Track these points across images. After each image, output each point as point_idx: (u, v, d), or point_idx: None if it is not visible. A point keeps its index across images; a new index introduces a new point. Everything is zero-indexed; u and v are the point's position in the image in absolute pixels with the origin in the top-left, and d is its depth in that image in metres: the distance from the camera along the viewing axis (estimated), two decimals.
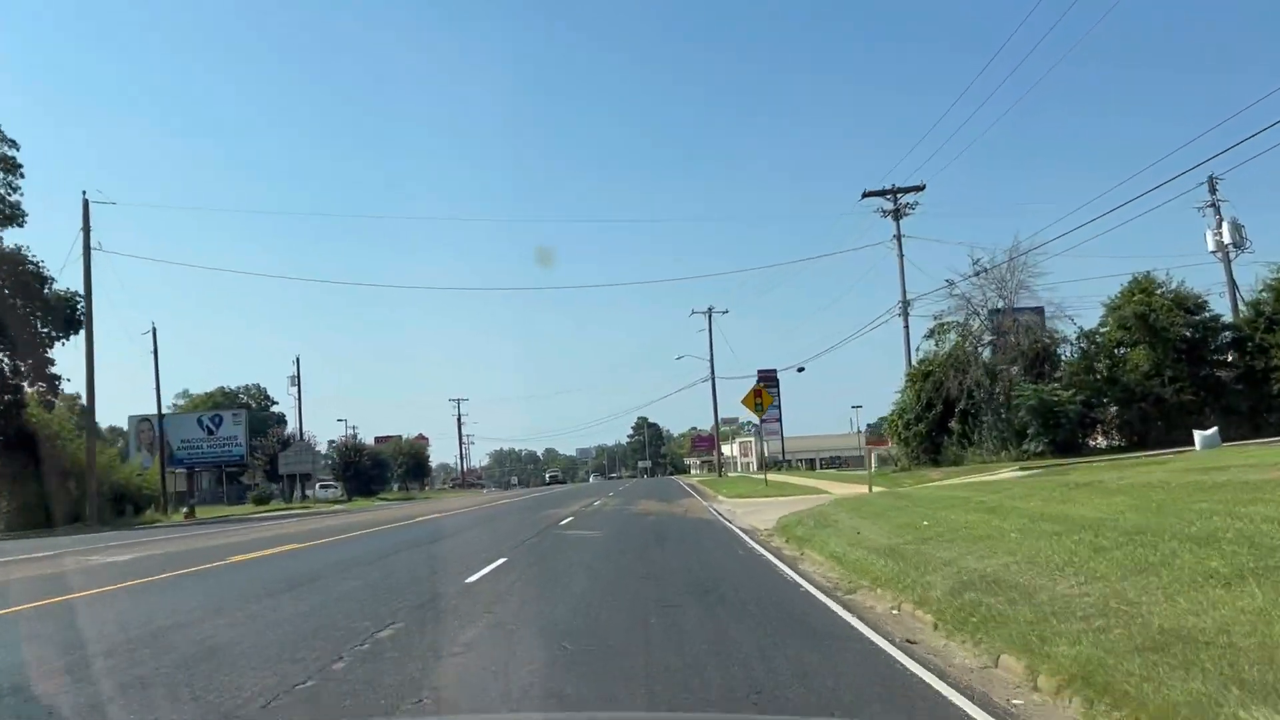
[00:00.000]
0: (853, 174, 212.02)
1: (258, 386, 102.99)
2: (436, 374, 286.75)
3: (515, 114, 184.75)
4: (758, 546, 14.99)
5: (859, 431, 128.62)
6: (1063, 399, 33.70)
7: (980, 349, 36.31)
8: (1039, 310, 36.48)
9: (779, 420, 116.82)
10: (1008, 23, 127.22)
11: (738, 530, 18.80)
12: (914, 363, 38.38)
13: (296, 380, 77.42)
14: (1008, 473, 29.48)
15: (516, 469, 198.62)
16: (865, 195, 40.05)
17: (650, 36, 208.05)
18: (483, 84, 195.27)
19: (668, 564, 12.79)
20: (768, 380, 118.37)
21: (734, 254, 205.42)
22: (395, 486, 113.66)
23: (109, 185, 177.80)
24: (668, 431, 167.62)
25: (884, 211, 39.96)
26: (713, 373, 72.66)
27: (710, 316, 71.18)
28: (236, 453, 59.57)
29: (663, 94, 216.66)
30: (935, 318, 37.76)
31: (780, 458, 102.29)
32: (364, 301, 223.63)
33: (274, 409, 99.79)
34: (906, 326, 39.07)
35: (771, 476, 53.07)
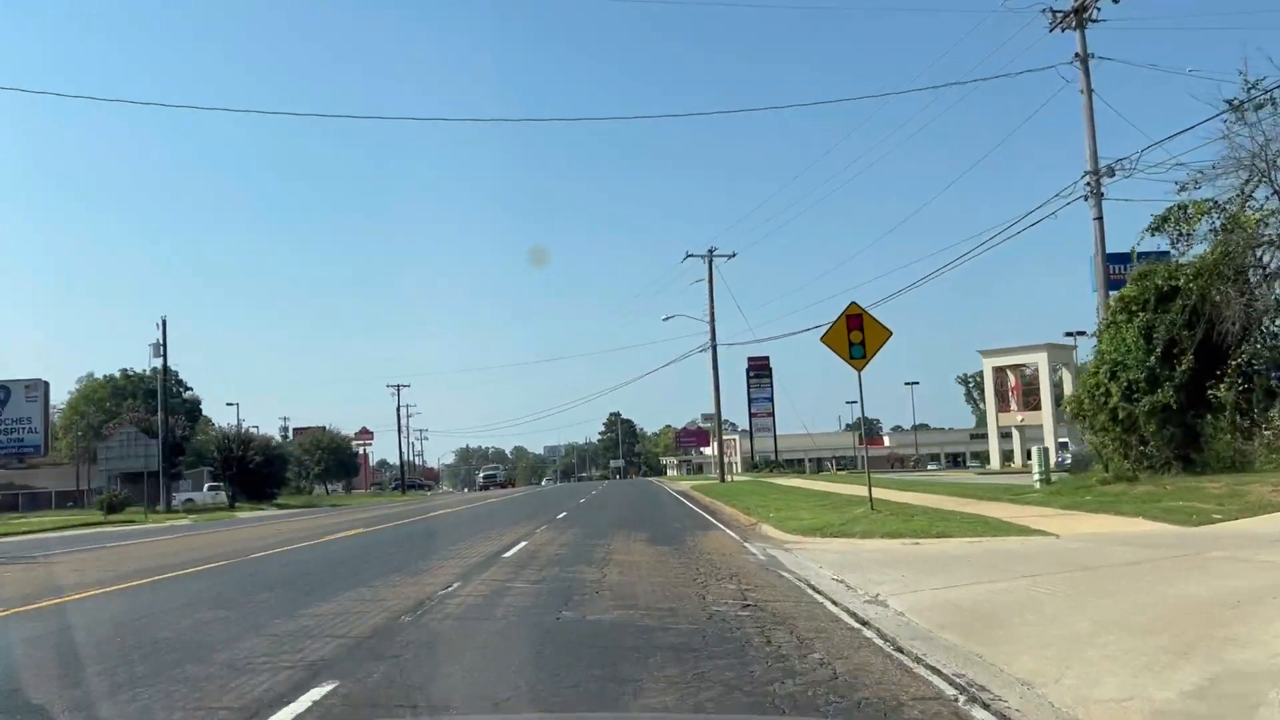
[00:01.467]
0: None
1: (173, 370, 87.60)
2: (396, 367, 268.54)
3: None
4: None
5: (844, 430, 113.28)
6: None
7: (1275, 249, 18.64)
8: None
9: (771, 415, 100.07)
10: None
11: None
12: (1130, 278, 20.51)
13: (162, 350, 58.97)
14: None
15: (481, 467, 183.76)
16: None
17: None
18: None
19: None
20: (759, 369, 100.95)
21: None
22: (338, 487, 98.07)
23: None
24: (642, 430, 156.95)
25: (1053, 16, 22.30)
26: (713, 338, 54.55)
27: (710, 263, 52.86)
28: (31, 441, 41.02)
29: None
30: (1180, 185, 19.52)
31: (773, 457, 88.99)
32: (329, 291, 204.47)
33: (186, 394, 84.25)
34: (1099, 217, 21.39)
35: (820, 485, 34.63)
